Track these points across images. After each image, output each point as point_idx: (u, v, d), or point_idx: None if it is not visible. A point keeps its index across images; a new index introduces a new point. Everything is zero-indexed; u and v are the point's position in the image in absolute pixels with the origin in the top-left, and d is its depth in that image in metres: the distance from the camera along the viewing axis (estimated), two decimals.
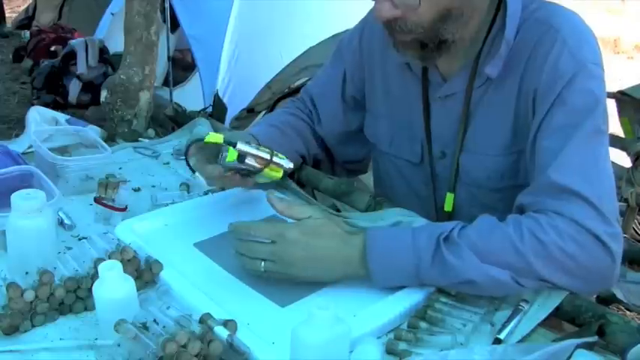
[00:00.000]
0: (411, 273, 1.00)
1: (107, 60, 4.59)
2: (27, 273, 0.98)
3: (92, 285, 0.92)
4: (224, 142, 1.10)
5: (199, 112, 1.85)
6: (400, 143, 1.32)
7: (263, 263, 1.01)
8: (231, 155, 1.11)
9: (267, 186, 1.34)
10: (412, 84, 1.26)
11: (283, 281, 1.02)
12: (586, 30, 1.11)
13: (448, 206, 1.25)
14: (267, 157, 1.12)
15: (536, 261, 0.97)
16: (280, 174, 1.15)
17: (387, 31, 1.13)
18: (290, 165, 1.15)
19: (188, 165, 1.18)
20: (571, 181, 1.00)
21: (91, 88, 4.44)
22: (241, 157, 1.11)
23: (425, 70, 1.23)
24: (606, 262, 0.99)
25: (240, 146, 1.11)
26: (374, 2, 1.08)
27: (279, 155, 1.15)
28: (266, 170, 1.14)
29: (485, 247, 0.98)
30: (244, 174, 1.16)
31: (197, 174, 1.17)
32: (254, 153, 1.12)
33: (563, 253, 0.97)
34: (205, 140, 1.11)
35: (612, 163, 1.09)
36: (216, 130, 1.62)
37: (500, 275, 0.97)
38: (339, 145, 1.45)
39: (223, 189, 1.36)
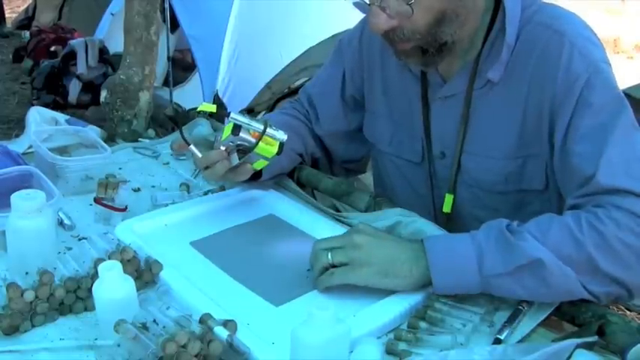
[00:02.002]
0: (472, 260, 0.96)
1: (107, 60, 4.59)
2: (27, 273, 0.98)
3: (92, 285, 0.92)
4: (217, 111, 1.13)
5: (199, 112, 1.84)
6: (400, 142, 1.32)
7: (330, 254, 1.00)
8: (226, 131, 1.13)
9: (262, 185, 1.35)
10: (412, 84, 1.26)
11: (345, 283, 0.99)
12: (588, 30, 1.11)
13: (447, 207, 1.25)
14: (261, 127, 1.13)
15: (596, 252, 0.95)
16: (275, 148, 1.15)
17: (387, 42, 1.13)
18: (284, 136, 1.15)
19: (183, 138, 1.19)
20: (621, 181, 0.99)
21: (91, 88, 4.44)
22: (235, 130, 1.12)
23: (424, 71, 1.23)
24: None
25: (234, 115, 1.12)
26: (368, 15, 1.08)
27: (273, 127, 1.15)
28: (261, 145, 1.13)
29: (545, 238, 0.96)
30: (240, 156, 1.16)
31: (192, 146, 1.18)
32: (247, 122, 1.13)
33: (622, 244, 0.95)
34: (198, 109, 1.15)
35: None
36: (215, 130, 1.62)
37: (565, 270, 0.95)
38: (338, 144, 1.46)
39: (223, 189, 1.37)
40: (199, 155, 1.18)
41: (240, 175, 1.21)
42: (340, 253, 1.00)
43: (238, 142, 1.14)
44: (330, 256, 1.00)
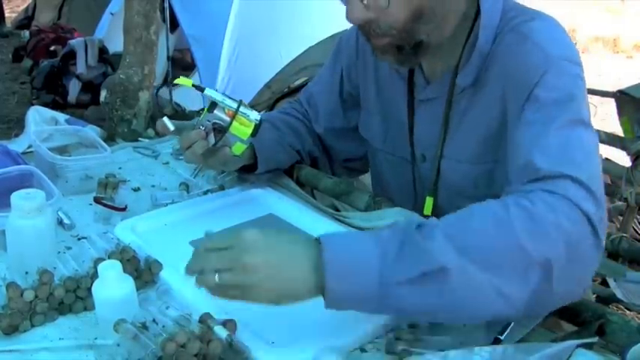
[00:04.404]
0: (373, 268, 0.82)
1: (107, 60, 4.60)
2: (27, 273, 0.98)
3: (92, 285, 0.92)
4: (193, 85, 1.15)
5: (199, 111, 1.85)
6: (394, 140, 1.32)
7: (217, 275, 0.84)
8: (204, 113, 1.16)
9: (261, 184, 1.35)
10: (399, 85, 1.26)
11: (237, 300, 0.86)
12: (558, 31, 1.09)
13: (427, 210, 1.24)
14: (235, 105, 1.15)
15: (522, 233, 0.84)
16: (250, 129, 1.16)
17: (364, 37, 1.12)
18: (257, 116, 1.16)
19: (160, 111, 1.22)
20: (555, 165, 0.93)
21: (91, 87, 4.44)
22: (211, 107, 1.15)
23: (411, 72, 1.23)
24: (593, 246, 0.89)
25: (209, 91, 1.15)
26: (346, 5, 1.07)
27: (248, 107, 1.17)
28: (235, 124, 1.15)
29: (467, 227, 0.86)
30: (219, 138, 1.17)
31: (165, 118, 1.21)
32: (221, 99, 1.15)
33: (553, 227, 0.86)
34: (175, 82, 1.19)
35: (612, 162, 1.08)
36: None
37: (476, 276, 0.83)
38: (338, 142, 1.46)
39: (223, 188, 1.37)
40: (171, 129, 1.20)
41: (221, 160, 1.22)
42: (229, 276, 0.84)
43: (214, 121, 1.15)
44: (217, 279, 0.84)
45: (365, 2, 1.04)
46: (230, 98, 1.16)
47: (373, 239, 0.85)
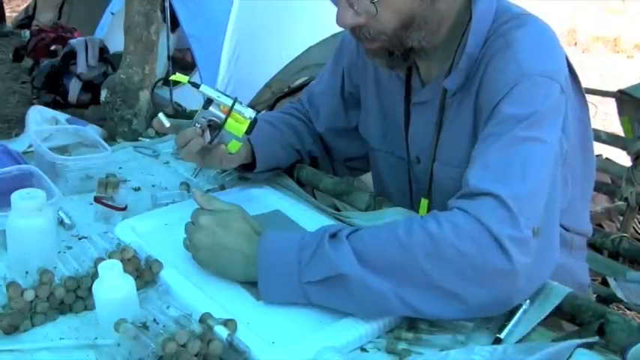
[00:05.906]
0: (292, 269, 0.96)
1: (107, 59, 4.60)
2: (27, 272, 0.98)
3: (92, 284, 0.92)
4: (188, 82, 1.15)
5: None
6: (392, 140, 1.32)
7: (188, 241, 1.05)
8: (200, 109, 1.16)
9: (261, 184, 1.35)
10: (397, 86, 1.27)
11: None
12: (544, 42, 1.07)
13: (422, 211, 1.24)
14: (230, 102, 1.15)
15: (425, 259, 0.90)
16: (245, 126, 1.16)
17: (357, 39, 1.13)
18: (252, 114, 1.16)
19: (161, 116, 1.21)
20: (485, 183, 0.94)
21: (91, 87, 4.45)
22: (206, 104, 1.15)
23: (409, 73, 1.23)
24: (504, 269, 0.89)
25: (204, 88, 1.15)
26: (337, 9, 1.07)
27: (243, 104, 1.17)
28: (230, 121, 1.15)
29: (374, 242, 0.94)
30: (214, 135, 1.16)
31: (161, 114, 1.20)
32: (217, 96, 1.15)
33: (455, 251, 0.89)
34: (170, 78, 1.18)
35: (612, 162, 1.08)
36: None
37: (378, 285, 0.91)
38: (340, 142, 1.46)
39: (223, 188, 1.37)
40: (167, 125, 1.19)
41: (217, 158, 1.22)
42: (188, 245, 1.05)
43: (209, 118, 1.15)
44: (186, 245, 1.06)
45: (355, 8, 1.05)
46: (225, 95, 1.16)
47: (297, 245, 0.97)
